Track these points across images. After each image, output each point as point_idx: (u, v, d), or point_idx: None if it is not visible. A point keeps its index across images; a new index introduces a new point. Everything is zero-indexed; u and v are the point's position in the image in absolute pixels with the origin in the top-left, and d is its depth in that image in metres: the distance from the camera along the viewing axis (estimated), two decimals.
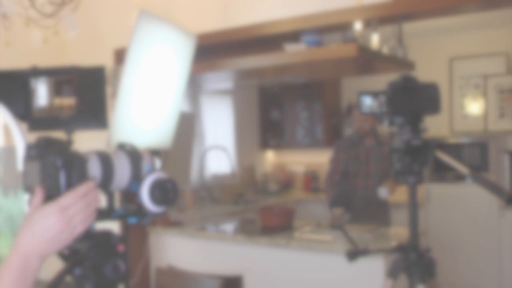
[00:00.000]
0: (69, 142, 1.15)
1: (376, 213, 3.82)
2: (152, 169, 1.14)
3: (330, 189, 3.93)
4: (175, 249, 3.86)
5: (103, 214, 1.15)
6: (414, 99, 1.53)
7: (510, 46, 5.06)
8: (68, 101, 1.25)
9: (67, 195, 0.98)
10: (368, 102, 1.59)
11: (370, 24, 3.34)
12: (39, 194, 1.01)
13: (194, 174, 5.17)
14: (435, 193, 4.91)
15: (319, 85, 5.80)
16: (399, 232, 3.53)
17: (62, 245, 0.99)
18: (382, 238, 3.34)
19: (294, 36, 3.36)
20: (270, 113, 6.29)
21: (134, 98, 2.17)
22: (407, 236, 1.77)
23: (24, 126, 1.27)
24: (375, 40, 3.50)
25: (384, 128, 4.40)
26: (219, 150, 5.29)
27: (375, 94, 1.59)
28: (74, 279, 1.07)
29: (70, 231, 0.98)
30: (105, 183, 1.12)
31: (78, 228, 0.99)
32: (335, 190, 3.86)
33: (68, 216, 0.98)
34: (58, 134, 1.16)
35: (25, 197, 1.08)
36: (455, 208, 4.83)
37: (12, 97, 1.25)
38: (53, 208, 0.97)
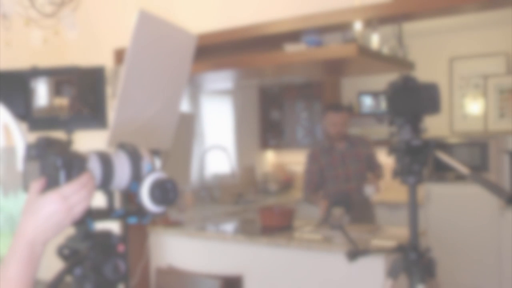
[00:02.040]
0: (69, 142, 1.15)
1: (362, 214, 3.75)
2: (152, 169, 1.14)
3: (312, 197, 3.84)
4: (175, 249, 3.86)
5: (103, 214, 1.15)
6: (414, 99, 1.53)
7: (510, 46, 5.06)
8: (68, 101, 1.25)
9: (69, 184, 1.01)
10: (368, 102, 1.59)
11: (370, 24, 3.34)
12: (39, 181, 1.03)
13: (194, 174, 5.17)
14: (435, 193, 4.91)
15: (319, 85, 5.80)
16: (399, 232, 3.53)
17: (62, 231, 1.02)
18: (382, 238, 3.35)
19: (294, 36, 3.36)
20: (270, 113, 6.29)
21: (134, 98, 2.17)
22: (407, 236, 1.77)
23: (24, 126, 1.27)
24: (375, 40, 3.50)
25: (384, 128, 4.38)
26: (219, 150, 5.29)
27: (375, 94, 1.59)
28: (74, 279, 1.07)
29: (71, 218, 1.01)
30: (105, 183, 1.12)
31: (78, 215, 1.03)
32: (316, 195, 3.82)
33: (70, 204, 1.00)
34: (58, 134, 1.16)
35: (25, 197, 1.08)
36: (455, 208, 4.83)
37: (12, 97, 1.25)
38: (55, 196, 0.99)
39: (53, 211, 0.99)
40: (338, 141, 3.85)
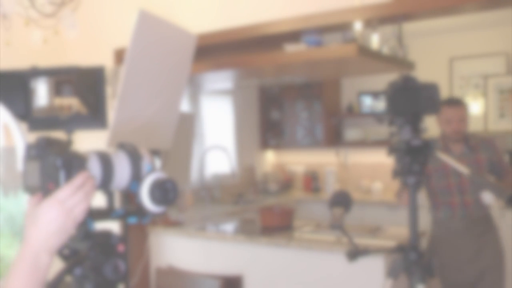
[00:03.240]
0: (69, 142, 1.15)
1: (485, 239, 3.27)
2: (152, 169, 1.14)
3: None
4: (175, 249, 3.86)
5: (103, 214, 1.15)
6: (414, 99, 1.53)
7: (510, 46, 5.06)
8: (68, 101, 1.25)
9: (64, 188, 1.00)
10: (368, 102, 1.59)
11: (370, 24, 3.34)
12: (37, 195, 1.03)
13: (194, 174, 5.17)
14: None
15: (319, 85, 5.80)
16: (399, 232, 3.54)
17: (67, 236, 1.01)
18: (382, 238, 3.35)
19: (294, 36, 3.36)
20: (270, 113, 6.29)
21: (134, 98, 2.17)
22: (407, 236, 1.77)
23: (24, 126, 1.27)
24: (375, 40, 3.50)
25: (384, 128, 4.38)
26: (219, 150, 5.29)
27: (375, 94, 1.59)
28: (74, 279, 1.07)
29: (72, 221, 1.01)
30: (105, 183, 1.12)
31: (79, 217, 1.02)
32: None
33: (68, 207, 1.00)
34: (58, 134, 1.16)
35: (25, 197, 1.08)
36: None
37: (12, 97, 1.25)
38: (52, 202, 0.99)
39: (52, 217, 0.99)
40: (454, 142, 3.21)
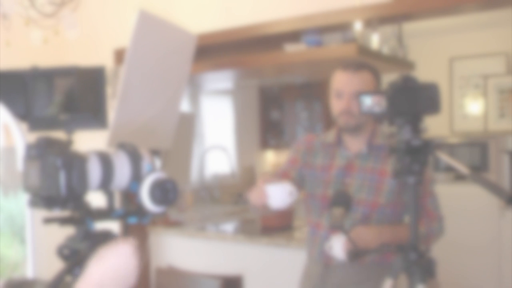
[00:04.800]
0: (69, 142, 1.15)
1: None
2: (152, 169, 1.14)
3: None
4: (175, 249, 3.86)
5: (103, 214, 1.15)
6: (414, 99, 1.53)
7: (510, 46, 5.06)
8: (68, 101, 1.25)
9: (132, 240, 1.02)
10: (368, 102, 1.59)
11: (370, 24, 3.34)
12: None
13: (194, 174, 5.17)
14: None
15: (319, 85, 5.80)
16: None
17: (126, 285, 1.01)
18: None
19: (294, 36, 3.36)
20: (270, 113, 6.29)
21: (134, 98, 2.17)
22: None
23: (24, 126, 1.27)
24: (375, 40, 3.50)
25: (384, 128, 4.38)
26: (219, 150, 5.29)
27: (375, 94, 1.59)
28: (74, 279, 1.07)
29: (135, 274, 1.02)
30: (105, 183, 1.12)
31: (136, 275, 1.02)
32: None
33: (139, 258, 1.01)
34: (58, 134, 1.16)
35: (25, 197, 1.08)
36: (455, 208, 4.83)
37: (12, 97, 1.25)
38: (130, 250, 1.01)
39: (123, 262, 1.00)
40: (349, 135, 2.11)
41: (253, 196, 1.87)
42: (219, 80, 4.77)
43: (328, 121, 5.82)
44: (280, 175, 2.13)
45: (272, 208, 1.79)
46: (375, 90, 1.93)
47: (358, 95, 1.74)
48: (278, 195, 1.75)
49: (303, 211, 2.31)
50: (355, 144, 2.08)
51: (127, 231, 1.27)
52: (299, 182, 2.11)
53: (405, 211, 2.06)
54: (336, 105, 2.03)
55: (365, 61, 2.13)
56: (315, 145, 2.17)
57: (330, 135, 2.16)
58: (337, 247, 1.82)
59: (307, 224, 2.23)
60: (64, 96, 1.24)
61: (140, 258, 1.01)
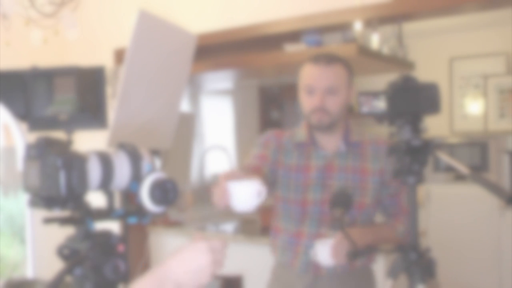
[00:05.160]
0: (69, 142, 1.15)
1: None
2: (152, 169, 1.14)
3: None
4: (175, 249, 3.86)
5: (103, 214, 1.15)
6: (414, 99, 1.53)
7: (510, 46, 5.06)
8: (68, 101, 1.25)
9: (217, 241, 1.04)
10: (368, 102, 1.59)
11: (370, 24, 3.33)
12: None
13: (194, 174, 5.17)
14: (435, 193, 4.91)
15: None
16: None
17: (196, 284, 1.01)
18: None
19: (294, 36, 3.36)
20: (270, 113, 6.29)
21: (134, 98, 2.17)
22: (407, 236, 1.77)
23: (24, 126, 1.27)
24: (375, 40, 3.50)
25: (384, 128, 4.36)
26: (219, 150, 5.29)
27: (375, 94, 1.59)
28: (74, 279, 1.07)
29: (210, 273, 1.02)
30: (105, 183, 1.12)
31: (211, 275, 1.03)
32: None
33: (215, 258, 1.02)
34: (58, 134, 1.16)
35: (25, 197, 1.08)
36: (455, 208, 4.83)
37: (12, 97, 1.25)
38: (205, 246, 1.01)
39: (199, 257, 1.01)
40: (322, 133, 1.98)
41: (215, 196, 1.58)
42: (219, 80, 4.77)
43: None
44: (251, 169, 1.86)
45: (236, 210, 1.53)
46: (375, 90, 1.93)
47: (331, 90, 1.79)
48: (243, 195, 1.50)
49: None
50: (330, 143, 1.93)
51: (127, 231, 1.27)
52: (271, 182, 1.91)
53: (378, 209, 1.98)
54: (308, 102, 1.89)
55: (335, 53, 1.97)
56: (285, 143, 1.95)
57: (300, 134, 1.97)
58: (324, 252, 1.71)
59: (278, 231, 2.01)
60: (64, 96, 1.24)
61: (214, 256, 1.02)
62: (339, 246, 1.71)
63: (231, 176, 1.50)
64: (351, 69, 1.93)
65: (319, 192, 1.88)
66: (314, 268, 1.89)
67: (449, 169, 4.73)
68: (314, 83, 1.86)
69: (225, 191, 1.48)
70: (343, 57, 1.94)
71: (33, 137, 1.09)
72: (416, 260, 1.53)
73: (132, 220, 1.17)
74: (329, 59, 1.87)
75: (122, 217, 1.17)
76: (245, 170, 1.81)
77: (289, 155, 1.93)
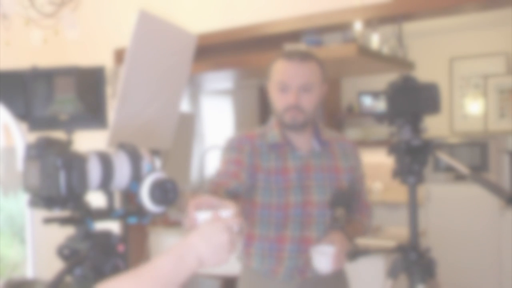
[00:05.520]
0: (69, 142, 1.15)
1: None
2: (152, 169, 1.14)
3: None
4: None
5: (103, 214, 1.15)
6: (414, 99, 1.53)
7: (510, 46, 5.06)
8: (68, 101, 1.25)
9: (235, 221, 1.07)
10: (368, 102, 1.59)
11: (370, 24, 3.34)
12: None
13: (194, 174, 5.17)
14: (435, 193, 4.91)
15: None
16: (399, 232, 3.53)
17: (218, 260, 1.04)
18: (382, 238, 3.34)
19: (294, 36, 3.36)
20: (270, 113, 6.29)
21: (134, 98, 2.17)
22: (407, 236, 1.77)
23: (24, 126, 1.27)
24: (375, 40, 3.50)
25: (384, 128, 4.36)
26: (219, 150, 5.29)
27: (375, 94, 1.59)
28: (74, 279, 1.07)
29: (229, 251, 1.03)
30: (105, 183, 1.12)
31: (230, 253, 1.04)
32: None
33: (232, 238, 1.03)
34: (58, 134, 1.16)
35: (25, 197, 1.08)
36: (455, 208, 4.83)
37: (12, 97, 1.25)
38: (223, 225, 1.03)
39: (219, 233, 1.02)
40: (295, 132, 1.95)
41: (186, 226, 1.28)
42: (219, 80, 4.77)
43: (328, 121, 5.82)
44: (230, 175, 1.77)
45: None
46: (375, 90, 1.91)
47: (306, 87, 1.73)
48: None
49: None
50: (303, 143, 1.87)
51: (127, 231, 1.27)
52: (249, 187, 1.79)
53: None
54: (281, 100, 1.84)
55: (309, 51, 1.91)
56: (258, 145, 1.87)
57: (273, 134, 1.91)
58: (325, 261, 1.65)
59: (252, 239, 1.84)
60: (64, 96, 1.24)
61: (232, 236, 1.03)
62: (341, 254, 1.67)
63: (202, 203, 1.24)
64: (324, 66, 1.87)
65: (300, 194, 1.80)
66: (299, 273, 1.80)
67: (449, 169, 4.73)
68: (288, 80, 1.80)
69: (193, 223, 1.20)
70: (315, 55, 1.88)
71: (33, 137, 1.09)
72: (416, 260, 1.53)
73: (132, 220, 1.16)
74: (304, 56, 1.81)
75: (122, 217, 1.17)
76: (221, 186, 1.70)
77: (266, 158, 1.84)
